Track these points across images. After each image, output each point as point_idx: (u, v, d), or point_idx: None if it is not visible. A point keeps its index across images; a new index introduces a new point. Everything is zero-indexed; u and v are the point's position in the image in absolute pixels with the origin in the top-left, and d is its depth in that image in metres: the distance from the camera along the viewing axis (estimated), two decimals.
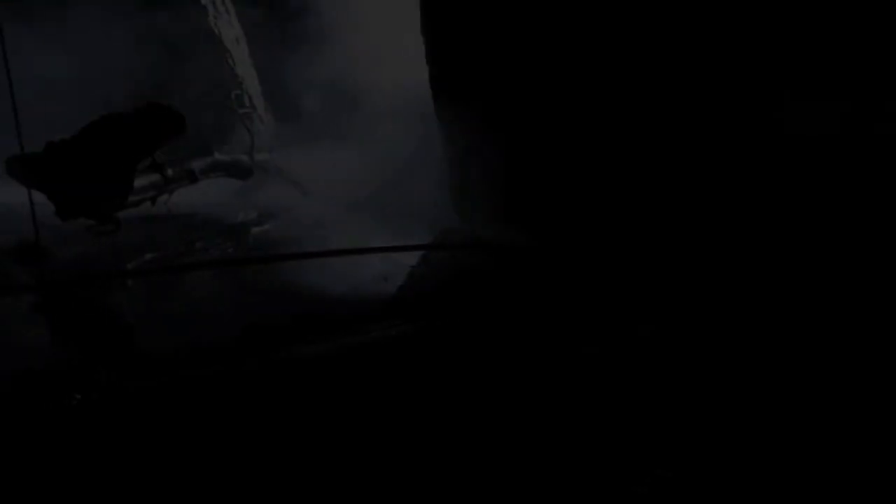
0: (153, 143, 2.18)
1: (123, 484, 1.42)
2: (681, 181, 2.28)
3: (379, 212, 3.20)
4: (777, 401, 1.70)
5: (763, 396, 1.72)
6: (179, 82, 3.63)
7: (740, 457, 1.58)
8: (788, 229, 2.07)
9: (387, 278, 2.32)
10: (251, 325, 1.98)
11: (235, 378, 1.70)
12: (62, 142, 2.08)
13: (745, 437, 1.62)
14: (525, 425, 1.84)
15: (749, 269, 2.11)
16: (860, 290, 1.94)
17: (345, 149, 4.35)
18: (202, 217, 2.96)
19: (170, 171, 2.79)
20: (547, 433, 1.79)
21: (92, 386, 1.52)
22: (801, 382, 1.74)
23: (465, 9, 2.97)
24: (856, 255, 1.97)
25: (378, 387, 1.78)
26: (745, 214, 2.14)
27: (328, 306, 2.14)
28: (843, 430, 1.53)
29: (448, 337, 2.02)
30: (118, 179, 2.15)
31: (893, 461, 1.41)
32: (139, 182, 2.42)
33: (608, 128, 2.55)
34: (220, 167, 3.29)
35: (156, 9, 4.18)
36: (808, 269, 2.02)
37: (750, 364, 1.86)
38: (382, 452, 1.68)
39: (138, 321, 1.98)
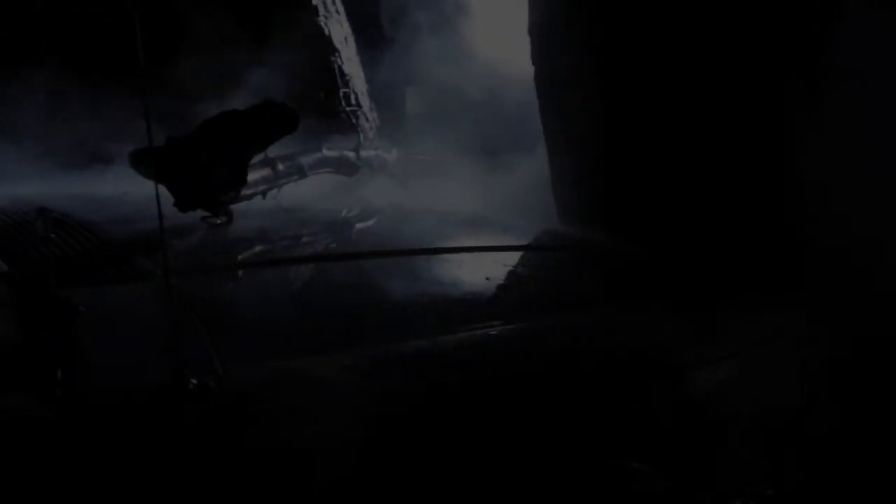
0: (267, 139, 2.24)
1: (236, 468, 1.47)
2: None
3: (483, 212, 3.21)
4: None
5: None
6: (289, 80, 3.74)
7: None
8: None
9: (489, 277, 2.32)
10: (354, 319, 2.02)
11: (341, 370, 1.74)
12: (183, 136, 2.16)
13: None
14: (620, 437, 1.81)
15: None
16: None
17: (450, 148, 4.39)
18: (308, 212, 3.02)
19: (280, 167, 2.87)
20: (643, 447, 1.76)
21: (208, 372, 1.58)
22: None
23: (580, 10, 2.95)
24: None
25: (476, 386, 1.78)
26: None
27: (429, 303, 2.16)
28: None
29: (547, 339, 2.01)
30: (234, 173, 2.22)
31: None
32: (251, 176, 2.50)
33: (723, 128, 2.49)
34: (327, 163, 3.36)
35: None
36: None
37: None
38: (478, 450, 1.69)
39: (249, 311, 2.04)
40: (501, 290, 2.30)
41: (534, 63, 3.31)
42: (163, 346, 1.58)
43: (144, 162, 2.40)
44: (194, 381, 1.52)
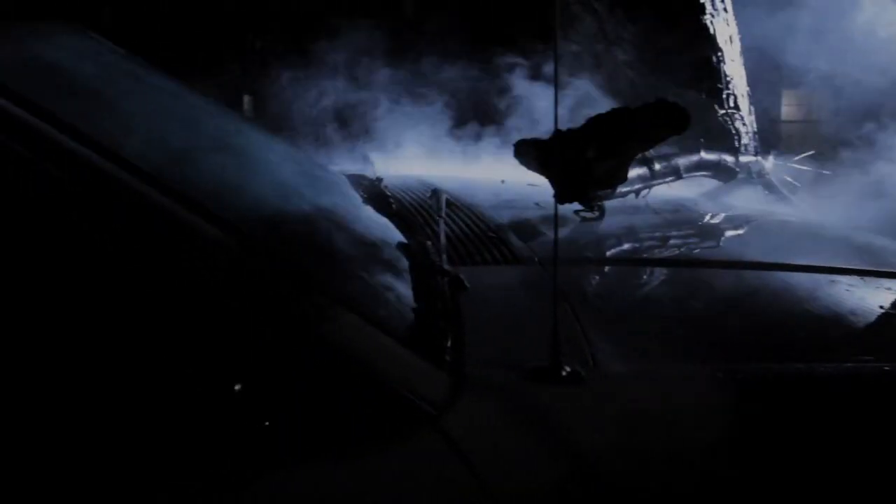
0: (655, 138, 2.24)
1: (594, 461, 1.49)
2: None
3: (871, 231, 2.92)
4: None
5: None
6: (671, 77, 3.71)
7: None
8: None
9: (882, 306, 2.10)
10: (723, 332, 1.95)
11: (707, 382, 1.68)
12: (570, 130, 2.23)
13: None
14: None
15: None
16: None
17: (831, 157, 4.06)
18: (678, 214, 2.97)
19: (657, 167, 2.85)
20: None
21: (580, 362, 1.62)
22: None
23: None
24: None
25: (848, 426, 1.62)
26: None
27: (805, 326, 2.01)
28: None
29: None
30: (616, 170, 2.25)
31: None
32: (629, 174, 2.51)
33: None
34: (704, 167, 3.27)
35: None
36: None
37: None
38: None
39: (619, 306, 2.05)
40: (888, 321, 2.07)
41: None
42: (536, 330, 1.65)
43: (529, 153, 2.52)
44: (567, 368, 1.57)
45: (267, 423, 1.34)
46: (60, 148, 1.36)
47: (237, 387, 1.33)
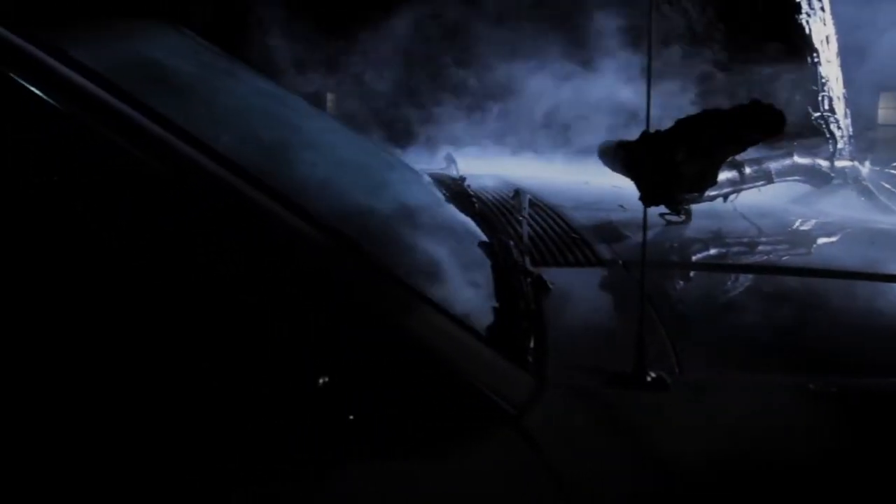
0: (748, 141, 2.18)
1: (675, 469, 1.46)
2: None
3: None
4: None
5: None
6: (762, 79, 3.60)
7: None
8: None
9: None
10: (816, 342, 1.88)
11: (796, 394, 1.63)
12: (657, 133, 2.19)
13: None
14: None
15: None
16: None
17: None
18: (768, 220, 2.88)
19: (747, 170, 2.77)
20: None
21: (665, 368, 1.59)
22: None
23: None
24: None
25: None
26: None
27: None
28: None
29: None
30: (705, 173, 2.20)
31: None
32: (719, 178, 2.45)
33: None
34: (797, 171, 3.16)
35: None
36: None
37: None
38: None
39: (705, 313, 2.01)
40: None
41: None
42: (620, 333, 1.62)
43: (615, 154, 2.49)
44: (652, 374, 1.55)
45: (351, 418, 1.36)
46: (159, 141, 1.40)
47: (322, 381, 1.35)
